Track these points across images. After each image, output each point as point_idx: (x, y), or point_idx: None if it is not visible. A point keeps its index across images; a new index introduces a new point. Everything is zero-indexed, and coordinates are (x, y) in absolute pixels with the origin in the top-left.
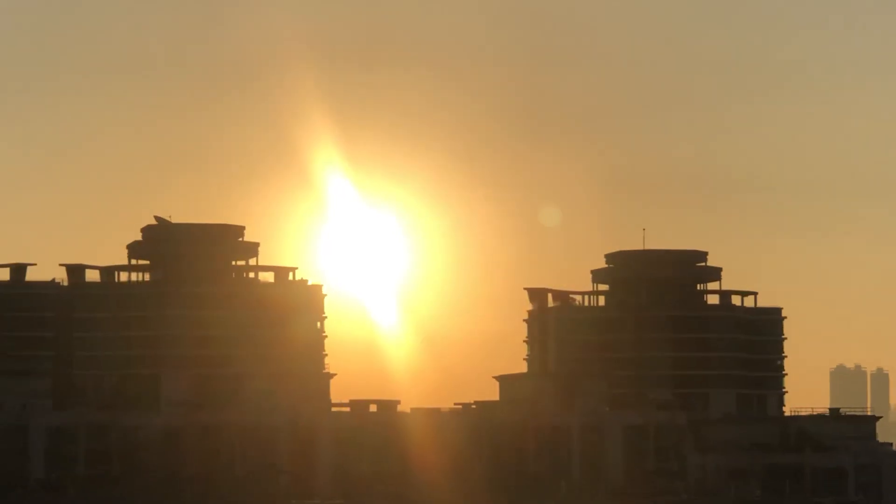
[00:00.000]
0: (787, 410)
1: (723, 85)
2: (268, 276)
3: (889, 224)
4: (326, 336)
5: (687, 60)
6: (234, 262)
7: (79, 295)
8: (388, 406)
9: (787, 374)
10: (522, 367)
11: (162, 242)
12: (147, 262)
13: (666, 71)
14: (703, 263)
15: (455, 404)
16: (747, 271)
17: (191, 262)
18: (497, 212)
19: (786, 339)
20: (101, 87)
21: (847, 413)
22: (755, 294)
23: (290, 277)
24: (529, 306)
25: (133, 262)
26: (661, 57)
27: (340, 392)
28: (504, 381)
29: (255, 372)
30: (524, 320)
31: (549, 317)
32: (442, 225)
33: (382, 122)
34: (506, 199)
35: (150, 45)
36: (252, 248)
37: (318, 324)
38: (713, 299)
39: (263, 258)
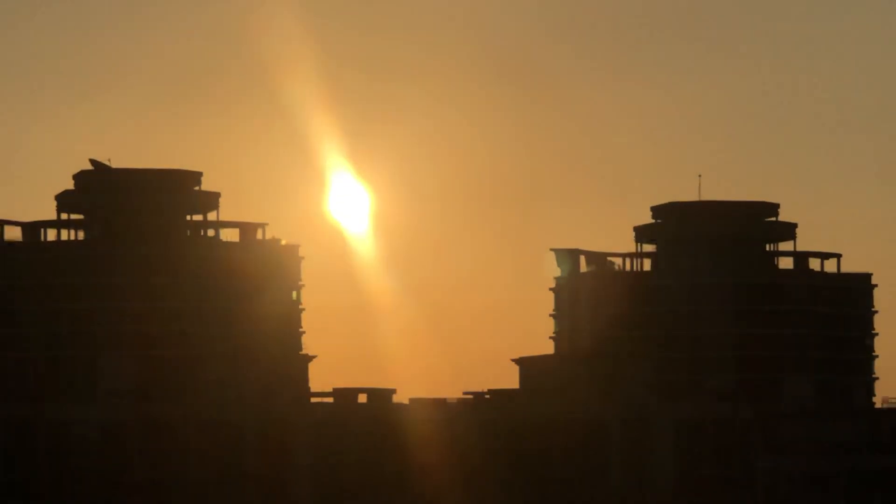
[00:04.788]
0: (879, 402)
1: None
2: (231, 235)
3: None
4: (304, 309)
5: None
6: (189, 217)
7: None
8: (380, 396)
9: (878, 357)
10: (548, 348)
11: (99, 192)
12: (80, 217)
13: None
14: (774, 218)
15: (464, 394)
16: (829, 228)
17: (135, 217)
18: (512, 154)
19: (877, 312)
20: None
21: None
22: (839, 256)
23: (260, 236)
24: (557, 272)
25: (63, 216)
26: None
27: (322, 379)
28: (525, 364)
29: (214, 354)
30: (550, 289)
31: (582, 284)
32: (443, 173)
33: (372, 49)
34: (525, 141)
35: None
36: (212, 200)
37: (295, 294)
38: (786, 263)
39: (226, 212)
